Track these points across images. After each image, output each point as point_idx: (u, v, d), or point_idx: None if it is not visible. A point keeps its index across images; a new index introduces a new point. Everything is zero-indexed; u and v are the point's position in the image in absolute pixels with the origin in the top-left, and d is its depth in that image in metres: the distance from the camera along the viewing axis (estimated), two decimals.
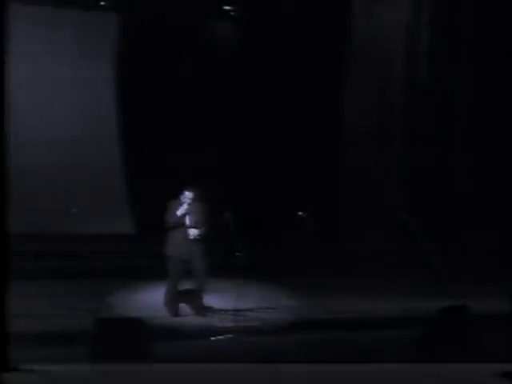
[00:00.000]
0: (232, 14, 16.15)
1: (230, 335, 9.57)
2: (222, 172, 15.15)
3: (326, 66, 15.41)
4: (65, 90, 15.19)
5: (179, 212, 10.25)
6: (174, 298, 10.40)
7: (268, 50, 15.28)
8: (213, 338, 9.48)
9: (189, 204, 10.26)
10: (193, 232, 10.28)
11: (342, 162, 15.70)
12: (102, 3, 15.35)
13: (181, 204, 10.31)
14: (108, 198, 14.64)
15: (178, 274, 10.36)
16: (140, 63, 15.10)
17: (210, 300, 10.64)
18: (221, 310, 10.47)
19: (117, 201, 14.76)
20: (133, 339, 6.94)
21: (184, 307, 10.53)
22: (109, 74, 15.47)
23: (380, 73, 15.38)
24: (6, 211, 4.51)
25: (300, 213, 11.69)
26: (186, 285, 10.54)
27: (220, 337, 9.53)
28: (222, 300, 10.80)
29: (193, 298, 10.50)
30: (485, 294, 11.17)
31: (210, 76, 15.48)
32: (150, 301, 10.84)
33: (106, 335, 6.87)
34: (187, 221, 10.30)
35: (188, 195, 10.29)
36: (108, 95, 15.48)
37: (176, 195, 10.41)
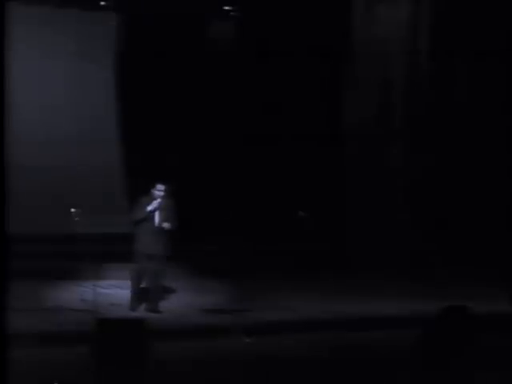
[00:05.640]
0: (232, 13, 16.12)
1: None
2: (221, 172, 15.15)
3: (326, 66, 15.41)
4: (64, 89, 15.16)
5: (150, 207, 10.30)
6: (136, 295, 10.42)
7: (267, 50, 15.27)
8: None
9: (160, 200, 10.31)
10: (162, 228, 10.31)
11: (341, 162, 15.70)
12: (102, 3, 15.31)
13: (152, 199, 10.34)
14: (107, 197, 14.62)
15: (142, 269, 10.39)
16: (140, 63, 15.09)
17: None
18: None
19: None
20: None
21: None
22: (108, 74, 15.43)
23: (380, 73, 15.37)
24: (5, 211, 4.51)
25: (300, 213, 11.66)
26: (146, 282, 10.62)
27: None
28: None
29: (150, 295, 10.54)
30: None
31: (209, 75, 15.47)
32: None
33: None
34: (156, 217, 10.35)
35: (160, 192, 10.35)
36: (107, 95, 15.44)
37: (147, 191, 10.50)
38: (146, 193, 10.57)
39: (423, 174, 15.26)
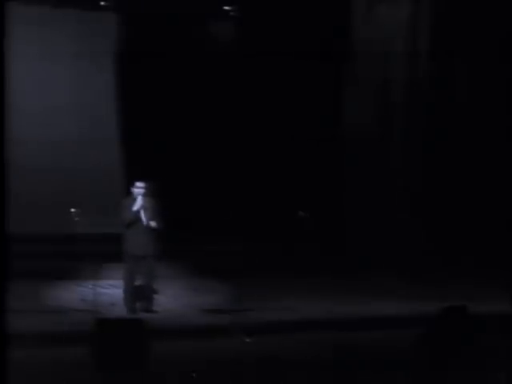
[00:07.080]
0: (232, 13, 16.12)
1: None
2: (221, 172, 15.15)
3: (325, 67, 15.41)
4: (64, 89, 15.16)
5: (135, 207, 10.28)
6: (131, 296, 10.39)
7: (267, 50, 15.26)
8: None
9: (142, 197, 10.28)
10: (149, 228, 10.30)
11: (341, 162, 15.69)
12: (102, 3, 15.30)
13: (133, 199, 10.34)
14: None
15: (133, 270, 10.37)
16: (139, 63, 15.08)
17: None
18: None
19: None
20: None
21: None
22: (108, 74, 15.43)
23: (380, 73, 15.37)
24: (5, 211, 4.51)
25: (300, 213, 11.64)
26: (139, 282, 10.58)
27: None
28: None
29: (144, 295, 10.51)
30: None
31: (209, 76, 15.47)
32: None
33: None
34: (142, 216, 10.33)
35: (139, 189, 10.32)
36: (107, 95, 15.44)
37: (129, 191, 10.49)
38: (127, 194, 10.62)
39: (423, 173, 15.26)
